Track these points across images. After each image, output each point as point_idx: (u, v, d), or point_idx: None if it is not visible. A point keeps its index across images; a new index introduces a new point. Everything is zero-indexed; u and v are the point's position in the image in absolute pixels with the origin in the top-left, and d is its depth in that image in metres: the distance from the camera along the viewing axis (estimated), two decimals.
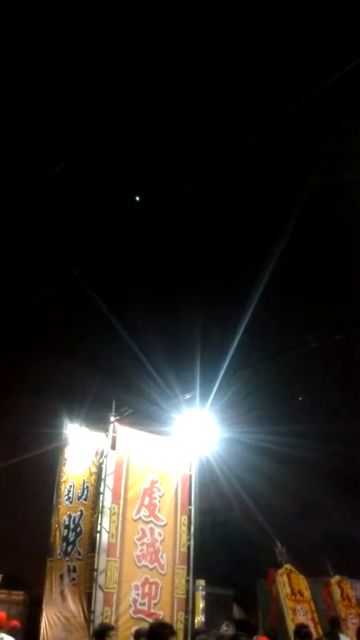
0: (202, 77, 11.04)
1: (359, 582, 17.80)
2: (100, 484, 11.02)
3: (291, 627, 13.10)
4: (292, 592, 14.88)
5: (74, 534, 11.38)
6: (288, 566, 15.46)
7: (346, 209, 13.30)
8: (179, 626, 10.78)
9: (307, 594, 15.26)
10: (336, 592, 15.85)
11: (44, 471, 13.58)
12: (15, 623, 12.81)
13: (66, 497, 12.00)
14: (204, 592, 16.70)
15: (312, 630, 13.74)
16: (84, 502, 11.42)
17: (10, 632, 10.30)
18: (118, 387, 13.74)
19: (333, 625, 11.36)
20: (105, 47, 10.51)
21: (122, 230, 8.48)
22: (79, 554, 11.05)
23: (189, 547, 11.73)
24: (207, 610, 16.57)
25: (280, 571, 15.18)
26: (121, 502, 11.04)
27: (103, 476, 11.03)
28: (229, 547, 21.42)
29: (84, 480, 11.61)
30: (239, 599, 19.77)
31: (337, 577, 16.28)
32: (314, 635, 12.79)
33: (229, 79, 11.53)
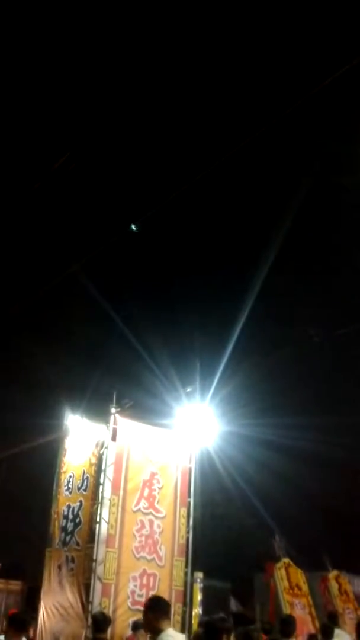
0: (201, 74, 10.96)
1: (357, 577, 17.86)
2: (100, 475, 11.02)
3: None
4: (290, 585, 14.93)
5: (72, 524, 11.39)
6: (286, 560, 15.50)
7: (346, 206, 13.24)
8: (176, 618, 10.80)
9: (304, 588, 15.30)
10: (334, 586, 15.89)
11: (44, 461, 13.57)
12: (14, 612, 12.87)
13: (66, 487, 11.99)
14: (201, 585, 16.74)
15: (310, 624, 13.80)
16: (83, 492, 11.42)
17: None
18: (119, 379, 13.72)
19: (331, 620, 11.35)
20: (106, 42, 10.43)
21: (122, 223, 8.43)
22: (78, 544, 11.05)
23: (187, 540, 11.75)
24: (205, 603, 16.60)
25: (278, 565, 15.23)
26: (121, 493, 11.05)
27: (103, 467, 11.03)
28: (228, 540, 21.45)
29: (83, 471, 11.60)
30: (237, 591, 19.83)
31: (335, 572, 16.31)
32: (312, 629, 12.83)
33: (228, 78, 11.45)
